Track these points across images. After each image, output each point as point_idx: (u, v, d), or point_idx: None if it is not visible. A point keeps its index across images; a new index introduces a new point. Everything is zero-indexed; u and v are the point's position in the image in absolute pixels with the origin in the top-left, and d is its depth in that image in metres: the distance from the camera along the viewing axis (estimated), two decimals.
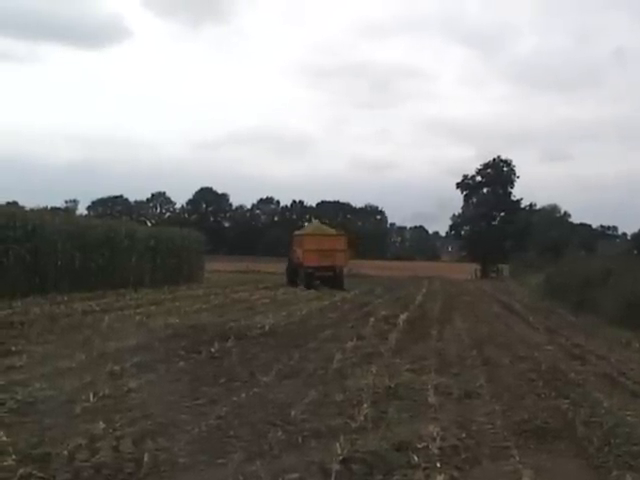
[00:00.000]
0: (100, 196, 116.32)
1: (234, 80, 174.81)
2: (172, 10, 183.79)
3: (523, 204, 75.97)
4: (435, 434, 5.96)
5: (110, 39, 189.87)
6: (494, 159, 76.24)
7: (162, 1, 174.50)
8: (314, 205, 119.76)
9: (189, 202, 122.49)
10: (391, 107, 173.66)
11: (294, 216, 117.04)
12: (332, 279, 32.15)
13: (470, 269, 67.09)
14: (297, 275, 33.20)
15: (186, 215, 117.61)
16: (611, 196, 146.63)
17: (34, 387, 7.47)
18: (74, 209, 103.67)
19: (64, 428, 5.96)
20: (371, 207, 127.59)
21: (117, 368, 8.75)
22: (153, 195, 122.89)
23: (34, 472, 4.80)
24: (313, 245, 32.84)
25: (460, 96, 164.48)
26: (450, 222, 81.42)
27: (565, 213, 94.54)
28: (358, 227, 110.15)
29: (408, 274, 53.86)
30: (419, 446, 5.66)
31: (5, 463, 4.98)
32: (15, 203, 40.94)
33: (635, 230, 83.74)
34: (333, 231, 37.09)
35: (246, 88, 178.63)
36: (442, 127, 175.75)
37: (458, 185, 76.82)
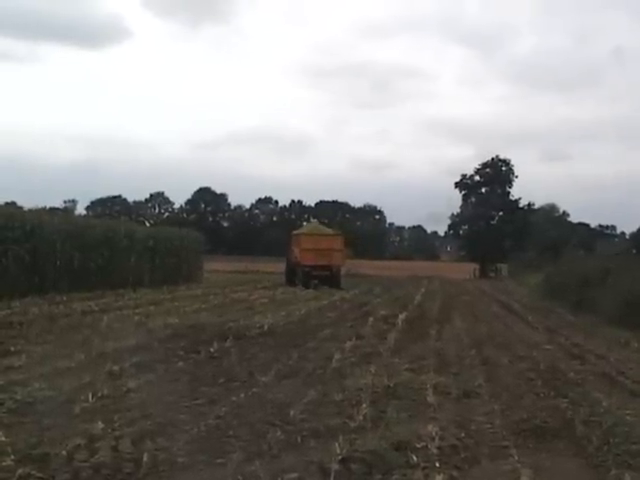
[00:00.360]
0: (99, 196, 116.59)
1: (234, 80, 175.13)
2: (172, 10, 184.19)
3: (522, 203, 75.96)
4: (434, 434, 5.96)
5: (110, 39, 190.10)
6: (493, 159, 76.28)
7: (162, 1, 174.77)
8: (313, 205, 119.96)
9: (188, 202, 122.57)
10: (391, 107, 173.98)
11: (293, 216, 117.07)
12: (329, 278, 32.39)
13: (469, 269, 67.09)
14: (295, 275, 33.33)
15: (185, 215, 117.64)
16: (610, 196, 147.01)
17: (33, 387, 7.46)
18: (73, 209, 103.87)
19: (63, 428, 5.96)
20: (370, 207, 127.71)
21: (116, 368, 8.75)
22: (152, 195, 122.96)
23: (33, 472, 4.79)
24: (310, 245, 33.11)
25: (459, 96, 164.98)
26: (449, 222, 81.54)
27: (564, 212, 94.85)
28: (357, 227, 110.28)
29: (407, 274, 53.84)
30: (418, 446, 5.65)
31: (4, 463, 4.97)
32: (14, 203, 41.02)
33: (634, 229, 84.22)
34: (330, 231, 37.32)
35: (246, 88, 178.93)
36: (441, 127, 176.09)
37: (457, 185, 76.90)
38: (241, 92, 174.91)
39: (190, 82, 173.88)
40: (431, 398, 7.59)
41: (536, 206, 79.24)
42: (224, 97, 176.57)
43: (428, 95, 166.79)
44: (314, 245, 33.09)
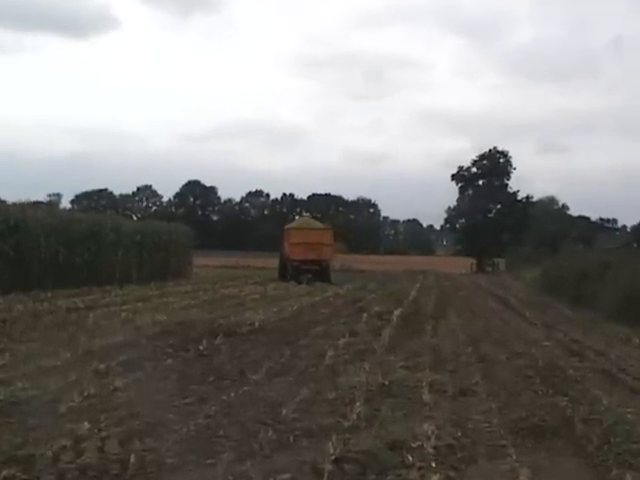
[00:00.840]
0: (84, 189, 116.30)
1: (224, 71, 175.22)
2: None
3: (520, 196, 76.07)
4: (430, 433, 5.96)
5: (97, 28, 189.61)
6: (490, 150, 76.38)
7: None
8: (305, 198, 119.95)
9: (176, 195, 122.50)
10: (385, 98, 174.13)
11: (284, 210, 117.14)
12: (318, 273, 32.68)
13: (465, 263, 67.28)
14: (287, 269, 33.53)
15: (173, 209, 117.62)
16: (610, 188, 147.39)
17: (17, 386, 7.44)
18: (57, 203, 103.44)
19: (48, 428, 5.94)
20: (364, 200, 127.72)
21: (103, 366, 8.73)
22: (139, 188, 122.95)
23: (18, 474, 4.78)
24: (299, 239, 33.48)
25: (455, 86, 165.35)
26: (445, 215, 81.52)
27: (563, 206, 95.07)
28: (350, 220, 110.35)
29: (402, 268, 53.92)
30: (413, 445, 5.66)
31: None
32: None
33: (635, 222, 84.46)
34: (320, 225, 37.60)
35: (236, 79, 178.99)
36: (437, 118, 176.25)
37: (453, 177, 76.94)
38: (232, 83, 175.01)
39: (180, 73, 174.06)
40: (427, 396, 7.60)
41: (535, 199, 79.49)
42: (214, 88, 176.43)
43: (423, 86, 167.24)
44: (303, 239, 33.41)
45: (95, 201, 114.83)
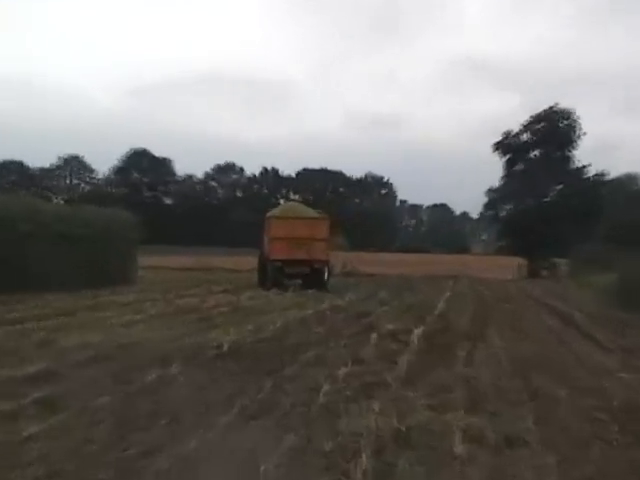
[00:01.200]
0: None
1: (180, 4, 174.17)
2: None
3: (589, 173, 75.91)
4: None
5: None
6: (547, 109, 76.06)
7: None
8: (293, 175, 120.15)
9: (116, 170, 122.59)
10: (401, 42, 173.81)
11: (265, 190, 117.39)
12: (310, 277, 32.69)
13: (511, 264, 67.43)
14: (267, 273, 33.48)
15: (111, 188, 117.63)
16: None
17: None
18: None
19: None
20: (373, 178, 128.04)
21: (10, 406, 8.72)
22: (64, 160, 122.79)
23: None
24: (282, 232, 33.31)
25: (496, 26, 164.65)
26: (484, 199, 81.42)
27: None
28: (355, 205, 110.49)
29: (424, 271, 54.06)
30: None
31: None
32: None
33: None
34: (312, 212, 37.08)
35: (199, 13, 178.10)
36: (472, 68, 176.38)
37: (497, 146, 76.74)
38: (193, 19, 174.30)
39: (120, 5, 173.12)
40: (459, 447, 7.62)
41: (610, 177, 79.30)
42: (167, 26, 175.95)
43: (452, 25, 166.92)
44: (288, 232, 33.23)
45: (2, 177, 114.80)
